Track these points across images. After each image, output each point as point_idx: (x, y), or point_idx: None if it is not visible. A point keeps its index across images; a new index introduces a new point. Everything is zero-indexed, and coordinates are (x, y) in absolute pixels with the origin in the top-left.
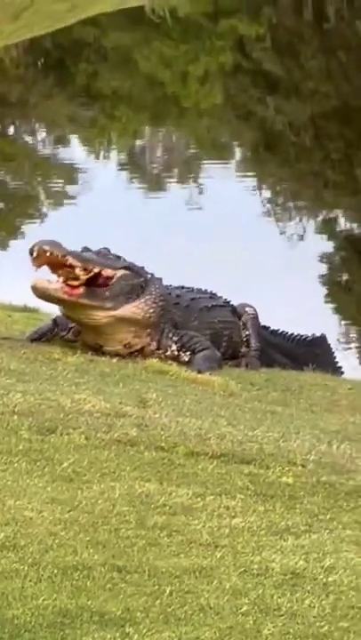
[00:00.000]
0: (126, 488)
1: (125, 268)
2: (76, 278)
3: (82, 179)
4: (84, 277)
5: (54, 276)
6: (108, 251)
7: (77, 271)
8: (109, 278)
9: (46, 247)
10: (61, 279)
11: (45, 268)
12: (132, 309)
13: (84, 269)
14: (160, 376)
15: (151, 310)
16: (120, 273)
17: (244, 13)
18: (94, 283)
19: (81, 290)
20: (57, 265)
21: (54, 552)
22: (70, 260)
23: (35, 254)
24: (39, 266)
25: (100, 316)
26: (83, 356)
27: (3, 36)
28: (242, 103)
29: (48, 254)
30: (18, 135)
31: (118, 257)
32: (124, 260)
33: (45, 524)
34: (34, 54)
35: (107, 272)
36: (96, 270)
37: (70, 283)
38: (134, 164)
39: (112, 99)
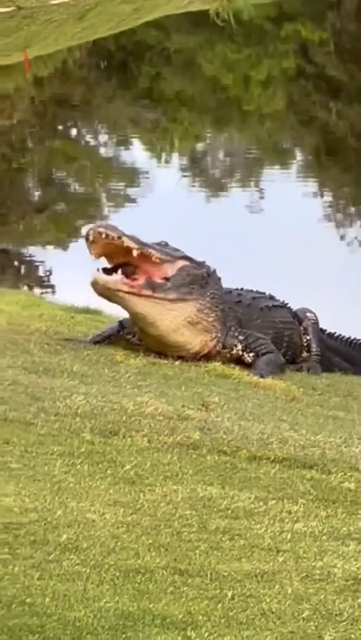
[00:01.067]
0: (188, 491)
1: (184, 258)
2: (134, 267)
3: (143, 181)
4: (137, 259)
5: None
6: (167, 243)
7: (134, 253)
8: (167, 263)
9: (101, 229)
10: (120, 272)
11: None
12: (195, 309)
13: (141, 255)
14: (223, 380)
15: (214, 312)
16: (180, 263)
17: (307, 18)
18: (151, 272)
19: (141, 281)
20: (114, 253)
21: (116, 555)
22: (126, 242)
23: (90, 238)
24: (97, 254)
25: (165, 323)
26: (145, 358)
27: (67, 38)
28: (304, 108)
29: (104, 236)
30: (80, 137)
31: (176, 249)
32: (182, 252)
33: (108, 526)
34: (97, 56)
35: (163, 258)
36: (154, 254)
37: (131, 278)
38: (196, 168)
39: (174, 102)
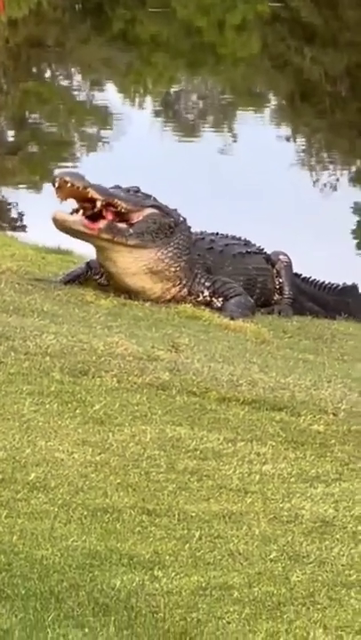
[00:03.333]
0: (157, 432)
1: (153, 206)
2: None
3: (116, 124)
4: (99, 205)
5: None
6: (138, 189)
7: (99, 204)
8: (132, 214)
9: (67, 178)
10: (81, 212)
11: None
12: (156, 259)
13: (107, 204)
14: (193, 321)
15: (177, 264)
16: (147, 211)
17: None
18: (117, 219)
19: (101, 224)
20: (80, 199)
21: (84, 494)
22: (92, 193)
23: (56, 185)
24: (63, 198)
25: (125, 264)
26: (115, 299)
27: None
28: (278, 53)
29: (69, 185)
30: (54, 79)
31: (148, 196)
32: (155, 199)
33: (76, 465)
34: None
35: (128, 208)
36: (119, 204)
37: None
38: (169, 111)
39: (149, 45)
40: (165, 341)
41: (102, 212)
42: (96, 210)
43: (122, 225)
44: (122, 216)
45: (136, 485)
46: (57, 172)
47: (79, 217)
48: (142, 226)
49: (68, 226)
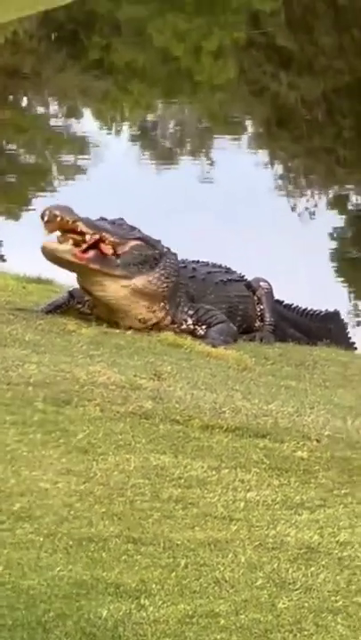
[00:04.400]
0: (141, 460)
1: (139, 239)
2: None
3: (94, 152)
4: (89, 239)
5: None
6: (124, 221)
7: (87, 238)
8: (119, 246)
9: (57, 212)
10: (71, 241)
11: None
12: (144, 282)
13: (95, 238)
14: (175, 349)
15: (164, 284)
16: (133, 243)
17: None
18: (104, 251)
19: (91, 254)
20: (68, 231)
21: (69, 523)
22: (81, 227)
23: (45, 218)
24: (51, 231)
25: (113, 289)
26: (97, 328)
27: (17, 8)
28: (255, 78)
29: (59, 219)
30: (30, 108)
31: (133, 228)
32: (139, 231)
33: (60, 495)
34: (47, 27)
35: (115, 241)
36: (107, 237)
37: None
38: (146, 138)
39: (125, 72)
40: (148, 370)
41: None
42: (86, 244)
43: (110, 256)
44: (108, 247)
45: (121, 514)
46: (46, 206)
47: (69, 246)
48: (128, 257)
49: (58, 256)
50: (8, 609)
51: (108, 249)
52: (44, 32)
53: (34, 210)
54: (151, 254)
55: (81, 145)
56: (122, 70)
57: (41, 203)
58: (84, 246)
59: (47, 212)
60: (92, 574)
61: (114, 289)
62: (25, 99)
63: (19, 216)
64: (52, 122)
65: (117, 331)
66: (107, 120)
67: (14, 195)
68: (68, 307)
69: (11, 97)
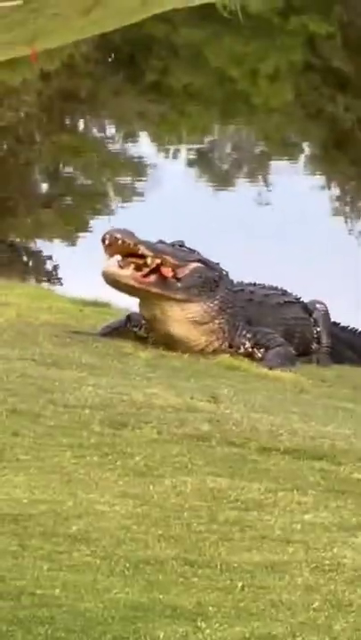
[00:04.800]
0: (198, 483)
1: (199, 261)
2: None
3: (151, 175)
4: (152, 263)
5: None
6: (183, 243)
7: (149, 261)
8: (179, 269)
9: (118, 235)
10: (132, 266)
11: (117, 258)
12: (202, 313)
13: (155, 261)
14: (231, 372)
15: (221, 315)
16: (193, 265)
17: (314, 11)
18: (164, 274)
19: (152, 278)
20: (129, 255)
21: (126, 546)
22: (142, 250)
23: (107, 242)
24: (111, 255)
25: (173, 315)
26: (154, 350)
27: (73, 32)
28: (312, 101)
29: (120, 242)
30: (87, 131)
31: (192, 251)
32: (198, 253)
33: (117, 517)
34: (104, 50)
35: (175, 264)
36: (168, 260)
37: (141, 271)
38: (203, 161)
39: (182, 95)
40: (205, 392)
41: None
42: (148, 268)
43: (171, 280)
44: (169, 270)
45: (178, 536)
46: (107, 230)
47: (130, 271)
48: (189, 280)
49: (120, 280)
50: (65, 632)
51: (168, 272)
52: (100, 55)
53: (91, 233)
54: (211, 277)
55: (138, 168)
56: (179, 93)
57: (98, 226)
58: (146, 270)
59: (108, 236)
60: (149, 597)
61: (174, 314)
62: (82, 122)
63: (76, 239)
64: (109, 145)
65: (174, 353)
66: (163, 143)
67: (72, 218)
68: (124, 330)
69: (68, 120)
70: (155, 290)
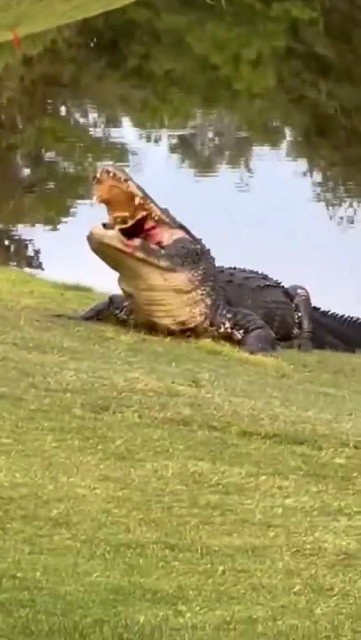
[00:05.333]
0: (179, 467)
1: (183, 229)
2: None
3: (133, 160)
4: (138, 208)
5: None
6: (168, 210)
7: (137, 201)
8: (163, 227)
9: (110, 168)
10: (117, 228)
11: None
12: (185, 280)
13: (142, 205)
14: (213, 356)
15: (205, 284)
16: (177, 235)
17: None
18: (148, 231)
19: (136, 242)
20: (117, 201)
21: (107, 529)
22: (131, 187)
23: (97, 176)
24: (101, 197)
25: (155, 282)
26: (135, 335)
27: (56, 16)
28: (294, 87)
29: (111, 175)
30: (69, 116)
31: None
32: (181, 223)
33: (98, 501)
34: (86, 35)
35: (162, 218)
36: (152, 208)
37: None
38: (185, 147)
39: (164, 81)
40: (186, 376)
41: (137, 223)
42: (135, 210)
43: (154, 246)
44: (153, 229)
45: (159, 520)
46: (99, 166)
47: (116, 232)
48: (172, 249)
49: (105, 242)
50: (45, 614)
51: (151, 229)
52: (82, 40)
53: (73, 217)
54: (193, 249)
55: (120, 153)
56: (161, 79)
57: (80, 211)
58: (132, 221)
59: (99, 170)
60: (130, 580)
61: (156, 282)
62: (64, 107)
63: (58, 224)
64: (92, 130)
65: (156, 338)
66: (146, 128)
67: (53, 203)
68: (107, 313)
69: (50, 105)
70: (138, 254)
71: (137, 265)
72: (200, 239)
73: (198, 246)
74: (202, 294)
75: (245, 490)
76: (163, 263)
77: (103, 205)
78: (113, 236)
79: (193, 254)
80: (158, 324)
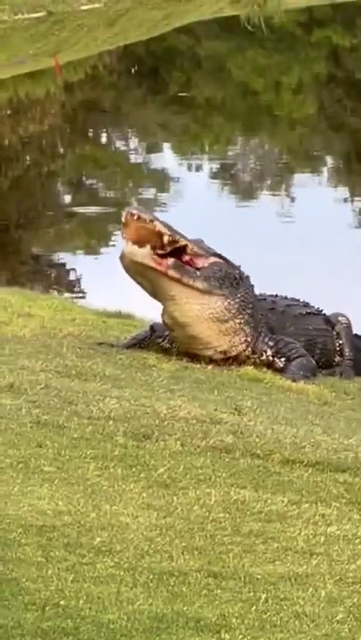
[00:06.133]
0: (222, 495)
1: (219, 256)
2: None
3: (173, 187)
4: (168, 246)
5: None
6: (202, 241)
7: (165, 239)
8: (198, 258)
9: (134, 211)
10: (149, 246)
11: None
12: (222, 308)
13: (172, 242)
14: (255, 384)
15: (242, 315)
16: (213, 259)
17: (338, 24)
18: (182, 260)
19: (170, 261)
20: (147, 240)
21: (150, 557)
22: (158, 226)
23: (123, 220)
24: (130, 236)
25: (190, 307)
26: (177, 362)
27: (97, 43)
28: (335, 113)
29: (136, 218)
30: (110, 142)
31: (210, 248)
32: (216, 251)
33: (141, 529)
34: (127, 61)
35: (195, 250)
36: (183, 243)
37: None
38: (226, 173)
39: (205, 107)
40: (228, 404)
41: (174, 250)
42: (166, 246)
43: (189, 268)
44: (188, 259)
45: (201, 548)
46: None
47: (148, 250)
48: (209, 271)
49: (137, 259)
50: None
51: (187, 259)
52: (123, 67)
53: (114, 245)
54: (232, 273)
55: (161, 180)
56: (201, 105)
57: (120, 239)
58: (165, 249)
59: (124, 214)
60: (173, 608)
61: (194, 313)
62: (105, 133)
63: (98, 251)
64: (132, 157)
65: (198, 365)
66: (186, 155)
67: (94, 230)
68: (149, 340)
69: (91, 132)
70: (172, 273)
71: (171, 286)
72: (239, 266)
73: (236, 271)
74: (240, 323)
75: (288, 517)
76: (198, 284)
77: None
78: (145, 254)
79: (231, 278)
80: (200, 355)
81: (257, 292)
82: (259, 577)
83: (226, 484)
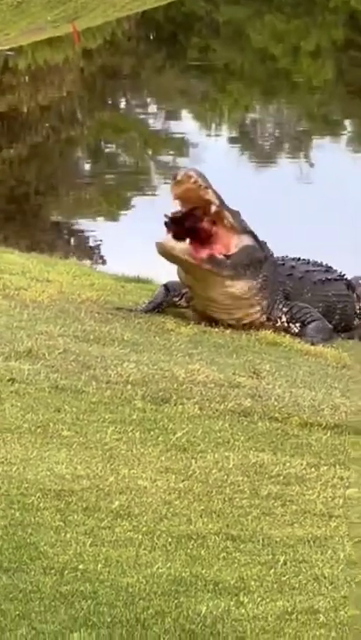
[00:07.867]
0: (240, 458)
1: (251, 235)
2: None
3: (192, 152)
4: (214, 209)
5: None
6: (239, 213)
7: (213, 209)
8: (231, 234)
9: (192, 173)
10: (188, 241)
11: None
12: (244, 289)
13: (218, 213)
14: (273, 347)
15: (261, 293)
16: (244, 243)
17: None
18: (215, 240)
19: (204, 254)
20: (192, 201)
21: (168, 521)
22: (210, 195)
23: (178, 177)
24: (177, 195)
25: (216, 289)
26: (196, 327)
27: (116, 9)
28: (353, 79)
29: (192, 180)
30: (129, 108)
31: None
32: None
33: (159, 493)
34: (146, 27)
35: (231, 224)
36: (227, 218)
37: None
38: (245, 139)
39: (223, 73)
40: (246, 368)
41: (205, 229)
42: (206, 217)
43: (220, 257)
44: (221, 235)
45: (220, 511)
46: (181, 169)
47: (186, 245)
48: (237, 259)
49: (175, 254)
50: (107, 606)
51: (220, 249)
52: (142, 33)
53: (133, 210)
54: (258, 257)
55: (180, 146)
56: (220, 71)
57: (139, 204)
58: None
59: (181, 172)
60: (191, 571)
61: (217, 289)
62: (124, 100)
63: (117, 217)
64: (151, 122)
65: (216, 330)
66: (205, 121)
67: (113, 196)
68: (166, 303)
69: (109, 98)
70: (206, 266)
71: (203, 273)
72: (265, 243)
73: (263, 253)
74: (259, 299)
75: (306, 480)
76: (227, 272)
77: (176, 202)
78: (184, 250)
79: (256, 263)
80: (215, 318)
81: (278, 255)
82: (277, 540)
83: (244, 448)
